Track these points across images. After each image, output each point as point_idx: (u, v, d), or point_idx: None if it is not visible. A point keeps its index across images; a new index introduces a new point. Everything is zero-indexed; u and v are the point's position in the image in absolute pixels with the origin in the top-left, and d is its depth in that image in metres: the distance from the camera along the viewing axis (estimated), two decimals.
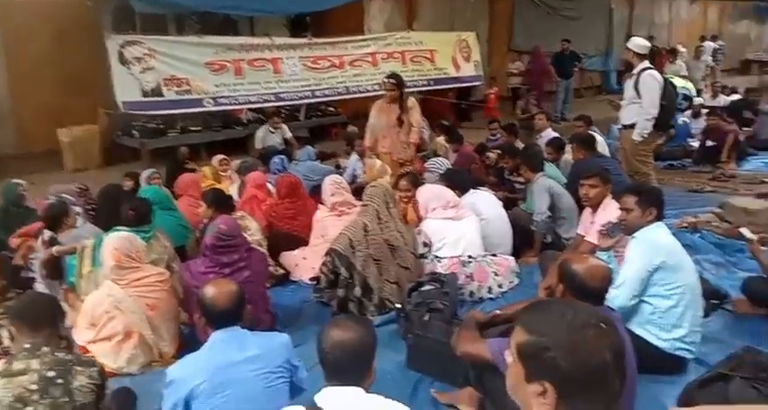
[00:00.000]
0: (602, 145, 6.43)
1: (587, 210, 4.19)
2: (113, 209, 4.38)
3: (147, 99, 6.97)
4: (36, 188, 6.16)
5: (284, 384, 2.35)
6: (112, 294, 3.36)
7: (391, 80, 5.76)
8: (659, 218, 3.11)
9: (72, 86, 8.35)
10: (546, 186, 4.76)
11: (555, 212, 4.74)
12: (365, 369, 1.90)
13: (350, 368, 1.86)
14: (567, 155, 5.83)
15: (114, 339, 3.35)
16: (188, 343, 3.67)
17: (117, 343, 3.35)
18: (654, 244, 2.98)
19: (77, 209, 5.13)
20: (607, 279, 2.34)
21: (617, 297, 2.89)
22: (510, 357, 1.27)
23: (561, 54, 12.10)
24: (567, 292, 2.36)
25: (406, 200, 4.51)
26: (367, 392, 1.87)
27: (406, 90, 8.70)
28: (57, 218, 4.41)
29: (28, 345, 2.13)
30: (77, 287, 3.91)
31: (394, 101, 5.74)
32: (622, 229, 3.28)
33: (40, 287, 4.46)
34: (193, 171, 6.63)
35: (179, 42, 7.45)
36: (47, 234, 4.32)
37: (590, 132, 6.58)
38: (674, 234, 4.93)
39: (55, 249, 4.26)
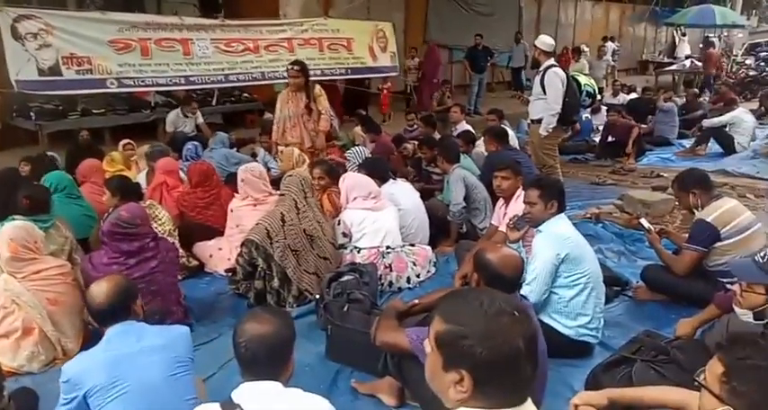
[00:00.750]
0: (512, 138, 6.68)
1: (500, 201, 4.34)
2: (9, 196, 4.05)
3: (43, 78, 6.47)
4: None
5: (188, 375, 2.27)
6: (9, 288, 3.12)
7: (295, 67, 5.67)
8: (561, 210, 3.25)
9: None
10: (461, 177, 4.87)
11: (470, 203, 4.87)
12: (283, 362, 1.87)
13: (267, 362, 1.81)
14: (480, 148, 6.01)
15: (12, 336, 3.13)
16: (93, 338, 3.49)
17: (15, 341, 3.14)
18: (558, 237, 3.11)
19: None
20: (519, 268, 2.42)
21: (532, 292, 3.00)
22: (428, 347, 1.28)
23: (475, 48, 12.42)
24: (481, 281, 2.43)
25: (319, 188, 4.48)
26: (285, 386, 1.84)
27: (323, 78, 8.72)
28: None
29: None
30: None
31: (300, 89, 5.66)
32: (528, 222, 3.41)
33: None
34: (100, 155, 6.24)
35: (79, 18, 6.95)
36: None
37: (502, 126, 6.82)
38: (577, 224, 5.25)
39: None
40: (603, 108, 9.87)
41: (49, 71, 6.49)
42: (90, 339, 3.45)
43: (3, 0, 6.99)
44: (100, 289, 2.27)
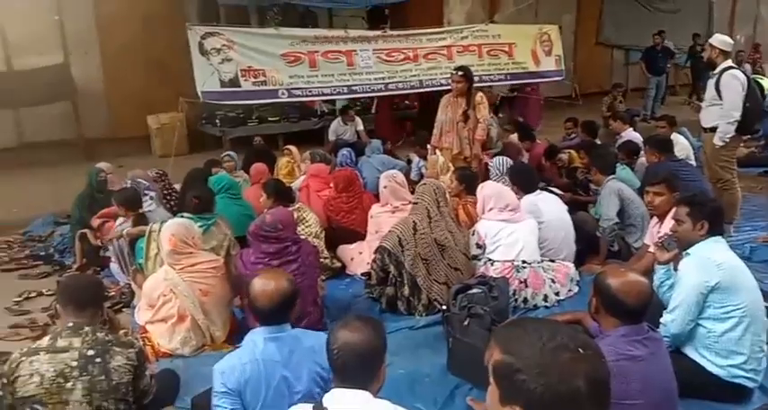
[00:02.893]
0: (685, 148, 6.07)
1: (654, 219, 3.95)
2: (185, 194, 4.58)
3: (224, 89, 7.17)
4: (123, 171, 6.54)
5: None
6: (169, 278, 3.52)
7: (459, 73, 5.67)
8: (712, 232, 2.87)
9: (159, 75, 8.80)
10: (615, 190, 4.51)
11: (624, 219, 4.49)
12: (373, 372, 1.88)
13: (357, 370, 1.84)
14: (643, 159, 5.52)
15: (169, 321, 3.52)
16: (240, 328, 3.82)
17: (171, 325, 3.52)
18: (709, 263, 2.75)
19: (152, 193, 5.42)
20: (643, 296, 2.16)
21: (673, 322, 2.71)
22: (490, 376, 1.22)
23: (653, 49, 11.47)
24: (600, 307, 2.23)
25: (451, 193, 4.43)
26: (375, 396, 1.85)
27: (481, 84, 8.63)
28: (131, 202, 4.66)
29: (71, 324, 2.26)
30: (145, 268, 4.13)
31: (461, 94, 5.65)
32: (675, 242, 3.05)
33: (114, 267, 4.78)
34: (273, 160, 6.81)
35: (257, 34, 7.62)
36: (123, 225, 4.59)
37: (674, 134, 6.22)
38: (756, 248, 4.66)
39: (125, 231, 4.53)
40: None
41: (230, 83, 7.18)
42: (236, 329, 3.79)
43: (195, 18, 7.96)
44: (265, 290, 2.24)
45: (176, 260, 3.54)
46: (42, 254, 5.56)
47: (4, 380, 2.20)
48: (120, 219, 4.73)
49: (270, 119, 9.45)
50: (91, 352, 2.21)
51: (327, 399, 1.82)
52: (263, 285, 2.26)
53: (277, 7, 9.14)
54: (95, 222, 5.12)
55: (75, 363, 2.18)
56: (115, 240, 4.57)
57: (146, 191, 5.19)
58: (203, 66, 6.93)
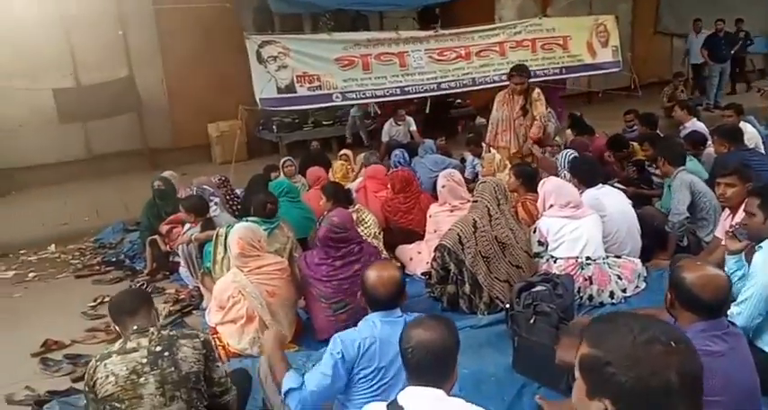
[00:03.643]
0: (754, 137, 5.81)
1: (726, 211, 3.80)
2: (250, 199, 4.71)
3: (281, 95, 7.36)
4: (187, 178, 6.80)
5: None
6: (237, 280, 3.63)
7: (520, 73, 5.60)
8: None
9: (218, 84, 9.08)
10: (687, 182, 4.34)
11: (695, 212, 4.33)
12: (448, 371, 1.88)
13: (431, 368, 1.84)
14: (710, 149, 5.32)
15: (238, 322, 3.62)
16: (305, 328, 3.90)
17: (241, 326, 3.62)
18: None
19: (216, 199, 5.60)
20: (720, 291, 2.08)
21: (740, 315, 2.61)
22: (576, 371, 1.22)
23: (715, 35, 11.01)
24: (675, 301, 2.16)
25: (512, 190, 4.39)
26: (448, 394, 1.85)
27: (534, 79, 8.51)
28: (198, 209, 4.83)
29: (135, 327, 2.38)
30: (213, 271, 4.27)
31: (519, 92, 5.58)
32: (747, 234, 2.93)
33: (183, 271, 4.96)
34: (328, 163, 6.92)
35: (311, 40, 7.78)
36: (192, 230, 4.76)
37: (742, 123, 5.96)
38: None
39: (194, 236, 4.69)
40: None
41: (286, 89, 7.36)
42: (302, 330, 3.88)
43: (251, 28, 8.16)
44: (380, 278, 2.42)
45: (244, 262, 3.64)
46: (114, 260, 5.81)
47: (86, 388, 2.35)
48: (188, 225, 4.91)
49: (324, 122, 9.58)
50: (159, 348, 2.33)
51: (402, 397, 1.84)
52: (378, 275, 2.44)
53: (329, 13, 9.26)
54: (164, 228, 5.33)
55: (144, 360, 2.30)
56: (184, 245, 4.75)
57: (210, 197, 5.38)
58: (261, 74, 7.12)
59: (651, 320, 1.20)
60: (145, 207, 5.75)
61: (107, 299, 4.80)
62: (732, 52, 11.38)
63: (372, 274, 2.46)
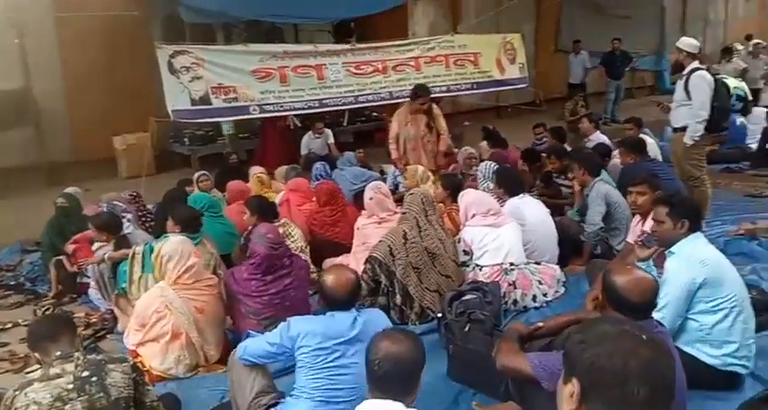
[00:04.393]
0: (653, 148, 6.23)
1: (636, 218, 4.06)
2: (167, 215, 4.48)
3: (195, 107, 7.11)
4: (91, 194, 6.40)
5: None
6: (165, 295, 3.46)
7: (426, 95, 5.76)
8: (693, 229, 2.97)
9: (125, 95, 8.67)
10: (603, 193, 4.55)
11: (609, 222, 4.55)
12: (412, 385, 1.89)
13: (397, 382, 1.85)
14: (616, 160, 5.67)
15: (162, 340, 3.44)
16: (233, 348, 3.75)
17: (164, 344, 3.44)
18: (693, 261, 2.84)
19: (129, 215, 5.31)
20: (649, 293, 2.22)
21: (663, 318, 2.77)
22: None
23: (611, 54, 11.83)
24: (607, 304, 2.28)
25: (439, 201, 4.47)
26: (407, 407, 1.84)
27: (449, 94, 8.77)
28: (111, 226, 4.55)
29: (59, 353, 2.22)
30: (128, 292, 4.03)
31: (422, 111, 5.75)
32: (656, 242, 3.14)
33: (93, 293, 4.65)
34: (245, 177, 6.70)
35: (226, 51, 7.59)
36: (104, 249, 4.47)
37: (641, 135, 6.39)
38: (729, 241, 4.82)
39: (107, 256, 4.42)
40: (761, 110, 8.87)
41: (200, 100, 7.12)
42: (229, 350, 3.72)
43: (161, 38, 7.86)
44: (339, 281, 2.56)
45: (174, 277, 3.47)
46: (13, 283, 5.36)
47: None
48: (97, 244, 4.62)
49: (241, 136, 9.36)
50: (86, 373, 2.19)
51: (361, 408, 1.81)
52: (337, 277, 2.57)
53: (242, 24, 9.10)
54: (70, 248, 4.99)
55: (71, 386, 2.15)
56: (95, 265, 4.46)
57: (122, 214, 5.10)
58: (173, 85, 6.87)
59: (634, 324, 1.29)
60: (47, 226, 5.35)
61: (8, 326, 4.46)
62: (627, 69, 12.23)
63: (331, 278, 2.57)
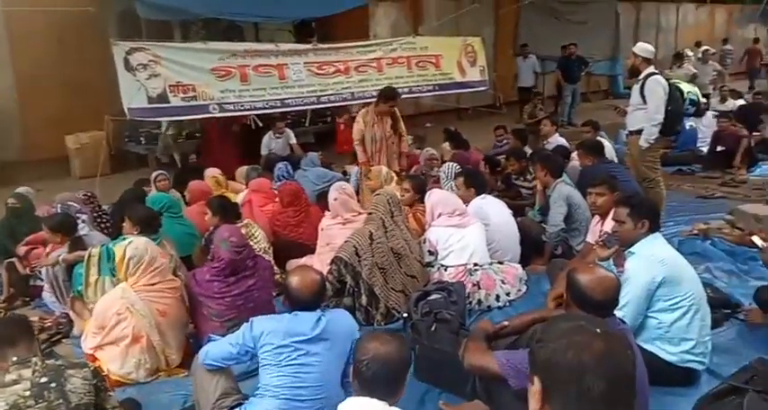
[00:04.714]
0: (610, 151, 6.40)
1: (596, 218, 4.15)
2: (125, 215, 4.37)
3: (152, 105, 6.92)
4: (43, 195, 6.18)
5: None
6: (126, 296, 3.36)
7: (396, 98, 5.83)
8: (652, 229, 3.06)
9: (78, 93, 8.40)
10: (564, 195, 4.63)
11: (570, 223, 4.64)
12: (399, 385, 1.90)
13: (385, 382, 1.86)
14: (575, 162, 5.79)
15: (122, 343, 3.35)
16: (194, 352, 3.67)
17: (124, 347, 3.35)
18: (653, 260, 2.92)
19: (84, 216, 5.14)
20: (611, 291, 2.27)
21: (624, 317, 2.84)
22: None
23: (568, 58, 12.08)
24: (569, 301, 2.33)
25: (404, 201, 4.50)
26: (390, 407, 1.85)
27: (411, 95, 8.81)
28: (66, 228, 4.40)
29: (15, 358, 2.15)
30: (84, 295, 3.90)
31: (387, 113, 5.78)
32: (616, 241, 3.23)
33: (47, 296, 4.48)
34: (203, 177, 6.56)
35: (184, 48, 7.42)
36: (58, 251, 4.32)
37: (598, 138, 6.56)
38: (683, 241, 4.98)
39: (61, 257, 4.27)
40: (710, 114, 9.22)
41: (158, 99, 6.94)
42: (190, 354, 3.64)
43: (116, 34, 7.65)
44: (304, 282, 2.56)
45: (135, 279, 3.37)
46: None
47: None
48: (51, 245, 4.46)
49: (198, 135, 9.17)
50: (44, 379, 2.12)
51: (343, 407, 1.83)
52: (302, 278, 2.57)
53: (201, 21, 8.92)
54: (22, 250, 4.81)
55: (28, 392, 2.08)
56: (49, 267, 4.30)
57: (77, 215, 4.92)
58: (130, 83, 6.68)
59: (594, 320, 1.29)
60: None
61: None
62: (583, 73, 12.52)
63: (296, 278, 2.57)
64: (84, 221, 5.00)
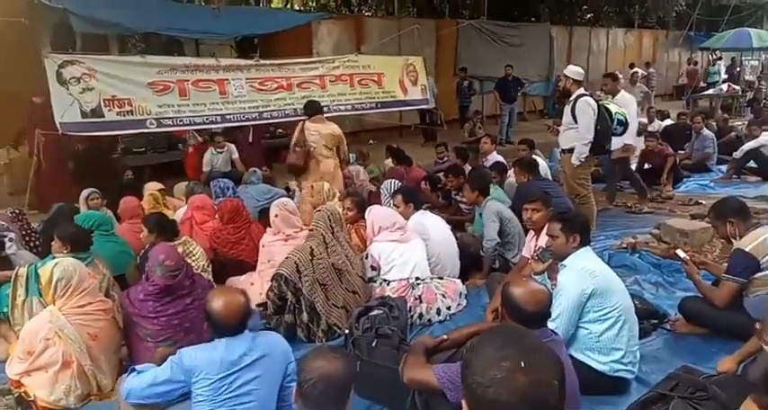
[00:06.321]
0: (544, 168, 6.63)
1: (531, 233, 4.29)
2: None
3: (86, 120, 6.73)
4: None
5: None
6: (54, 320, 3.20)
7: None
8: (583, 243, 3.20)
9: (7, 107, 8.02)
10: (495, 211, 4.81)
11: (503, 237, 4.81)
12: (344, 402, 1.89)
13: (331, 400, 1.84)
14: (511, 178, 5.97)
15: (51, 369, 3.18)
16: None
17: (54, 374, 3.18)
18: (583, 272, 3.05)
19: (11, 234, 4.91)
20: (543, 303, 2.35)
21: (557, 328, 2.94)
22: None
23: (505, 79, 12.48)
24: (504, 313, 2.40)
25: (348, 220, 4.53)
26: None
27: (354, 113, 8.88)
28: None
29: None
30: (10, 317, 3.72)
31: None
32: (551, 255, 3.36)
33: None
34: (141, 194, 6.37)
35: (121, 62, 7.26)
36: None
37: (533, 156, 6.78)
38: (613, 254, 5.19)
39: None
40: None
41: (92, 113, 6.75)
42: None
43: (50, 46, 7.39)
44: (227, 309, 2.42)
45: (63, 302, 3.23)
46: None
47: None
48: None
49: (134, 150, 8.94)
50: None
51: None
52: (224, 305, 2.43)
53: (139, 35, 8.75)
54: None
55: None
56: None
57: (4, 233, 4.70)
58: (62, 96, 6.48)
59: (523, 336, 1.30)
60: None
61: None
62: (519, 94, 12.95)
63: (217, 304, 2.43)
64: (11, 239, 4.78)
